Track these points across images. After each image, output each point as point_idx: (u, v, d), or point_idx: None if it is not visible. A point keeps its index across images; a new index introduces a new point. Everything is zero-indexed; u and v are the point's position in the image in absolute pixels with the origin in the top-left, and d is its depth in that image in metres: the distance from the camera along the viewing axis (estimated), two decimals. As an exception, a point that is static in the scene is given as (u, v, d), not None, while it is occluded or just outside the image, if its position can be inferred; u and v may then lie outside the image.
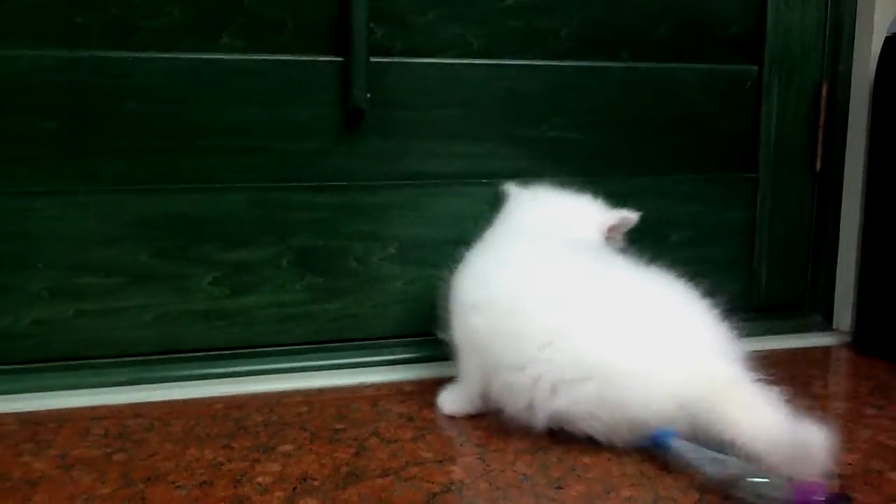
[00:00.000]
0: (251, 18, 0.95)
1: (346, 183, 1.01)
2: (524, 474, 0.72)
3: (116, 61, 0.92)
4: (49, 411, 0.87)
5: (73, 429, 0.82)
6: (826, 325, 1.19)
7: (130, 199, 0.94)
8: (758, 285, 1.17)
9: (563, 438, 0.79)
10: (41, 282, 0.92)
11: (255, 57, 0.96)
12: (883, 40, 1.05)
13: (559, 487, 0.69)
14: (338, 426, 0.83)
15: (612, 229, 0.95)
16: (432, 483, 0.70)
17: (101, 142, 0.93)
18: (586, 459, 0.75)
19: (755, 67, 1.13)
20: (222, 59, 0.95)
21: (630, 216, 0.95)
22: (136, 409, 0.88)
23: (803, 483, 0.63)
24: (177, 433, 0.81)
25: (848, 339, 1.13)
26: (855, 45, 1.13)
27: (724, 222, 1.15)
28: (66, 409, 0.88)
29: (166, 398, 0.91)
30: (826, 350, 1.11)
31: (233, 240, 0.98)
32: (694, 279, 1.13)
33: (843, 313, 1.16)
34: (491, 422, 0.83)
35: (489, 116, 1.05)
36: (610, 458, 0.75)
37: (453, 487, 0.69)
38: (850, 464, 0.73)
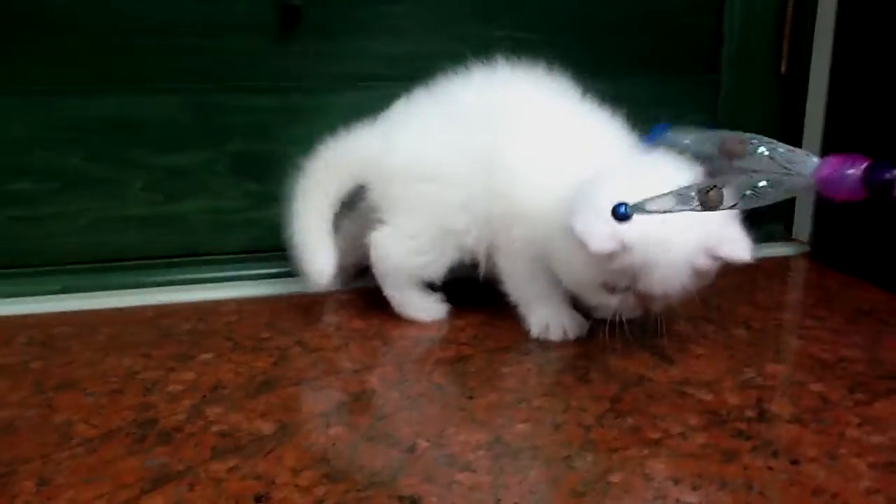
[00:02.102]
0: None
1: (284, 84, 0.97)
2: (438, 384, 0.71)
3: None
4: (-25, 319, 0.86)
5: (-4, 337, 0.82)
6: (786, 234, 1.16)
7: (62, 102, 0.91)
8: (717, 192, 1.14)
9: (488, 348, 0.78)
10: (-33, 187, 0.90)
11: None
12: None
13: (470, 398, 0.68)
14: (264, 335, 0.82)
15: None
16: (343, 392, 0.69)
17: (30, 43, 0.89)
18: (505, 370, 0.73)
19: (720, -39, 1.07)
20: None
21: None
22: (66, 318, 0.87)
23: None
24: (100, 341, 0.81)
25: (808, 249, 1.11)
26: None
27: (686, 125, 1.11)
28: (-6, 317, 0.87)
29: (97, 307, 0.90)
30: (782, 260, 1.09)
31: (167, 144, 0.95)
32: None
33: (804, 223, 1.13)
34: (414, 332, 0.82)
35: (435, 15, 1.00)
36: (530, 368, 0.74)
37: (363, 397, 0.68)
38: (773, 375, 0.72)
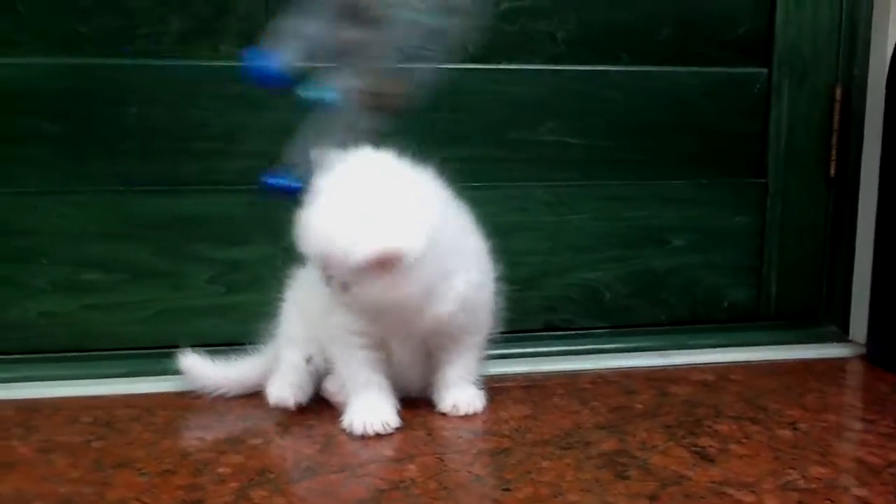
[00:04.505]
0: (246, 26, 0.98)
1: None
2: (477, 475, 0.72)
3: (118, 68, 0.97)
4: (47, 399, 0.91)
5: (63, 416, 0.87)
6: (842, 335, 1.14)
7: (130, 200, 0.99)
8: (767, 293, 1.14)
9: (529, 441, 0.79)
10: (46, 277, 0.98)
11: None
12: (896, 42, 1.01)
13: (506, 489, 0.69)
14: (311, 422, 0.85)
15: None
16: (382, 480, 0.71)
17: (102, 145, 0.98)
18: (545, 463, 0.74)
19: (764, 70, 1.10)
20: (219, 66, 0.98)
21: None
22: (129, 400, 0.92)
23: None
24: (158, 423, 0.85)
25: (864, 350, 1.09)
26: (871, 48, 1.09)
27: (730, 228, 1.12)
28: (63, 398, 0.92)
29: (159, 390, 0.95)
30: (837, 362, 1.07)
31: (228, 239, 1.01)
32: (698, 284, 1.12)
33: (860, 324, 1.12)
34: (458, 423, 0.83)
35: (484, 121, 1.05)
36: (569, 462, 0.74)
37: (400, 486, 0.70)
38: (817, 478, 0.71)
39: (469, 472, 0.73)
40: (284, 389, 0.87)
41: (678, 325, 1.11)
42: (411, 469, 0.73)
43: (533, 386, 0.96)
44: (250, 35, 0.98)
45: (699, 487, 0.69)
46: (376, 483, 0.71)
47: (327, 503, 0.67)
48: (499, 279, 0.89)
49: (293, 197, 0.79)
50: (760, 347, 1.09)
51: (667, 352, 1.06)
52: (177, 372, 0.97)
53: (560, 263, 1.09)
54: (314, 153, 0.79)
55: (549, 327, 1.09)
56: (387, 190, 0.77)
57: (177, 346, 1.00)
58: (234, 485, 0.70)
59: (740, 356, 1.06)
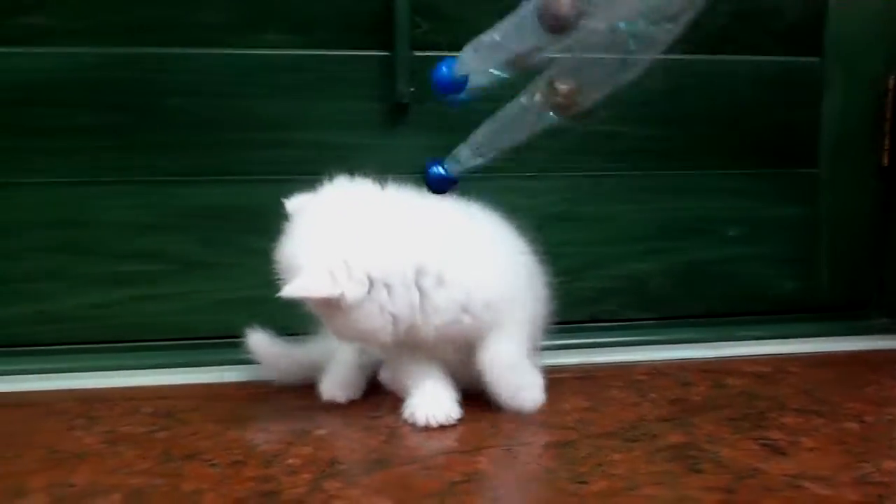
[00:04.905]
0: (296, 14, 0.98)
1: (389, 176, 1.03)
2: (549, 468, 0.72)
3: (167, 57, 0.96)
4: (104, 389, 0.92)
5: (123, 407, 0.87)
6: (893, 327, 1.14)
7: (181, 190, 0.99)
8: (818, 284, 1.13)
9: (593, 433, 0.78)
10: (98, 267, 0.98)
11: (299, 52, 0.98)
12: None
13: (582, 482, 0.69)
14: (373, 413, 0.85)
15: None
16: (455, 472, 0.71)
17: (154, 135, 0.97)
18: (616, 456, 0.74)
19: (816, 59, 1.09)
20: (268, 54, 0.98)
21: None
22: (185, 391, 0.92)
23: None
24: (219, 414, 0.85)
25: (916, 341, 1.08)
26: (926, 35, 1.08)
27: (781, 218, 1.12)
28: (120, 388, 0.92)
29: (214, 381, 0.95)
30: (891, 353, 1.06)
31: (278, 230, 1.01)
32: (747, 276, 1.11)
33: (913, 315, 1.11)
34: (520, 415, 0.83)
35: (534, 110, 1.04)
36: (638, 455, 0.74)
37: (475, 478, 0.70)
38: (891, 471, 0.70)
39: (539, 464, 0.73)
40: (336, 387, 0.88)
41: (727, 316, 1.11)
42: (481, 461, 0.73)
43: (587, 377, 0.95)
44: (299, 23, 0.98)
45: (775, 481, 0.68)
46: (449, 475, 0.70)
47: (402, 495, 0.66)
48: (544, 268, 0.90)
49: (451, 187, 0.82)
50: (811, 339, 1.08)
51: (717, 343, 1.06)
52: (233, 362, 0.98)
53: (607, 254, 1.09)
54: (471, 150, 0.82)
55: (595, 318, 1.09)
56: (331, 229, 0.78)
57: (232, 337, 1.00)
58: (306, 476, 0.70)
59: (792, 348, 1.06)
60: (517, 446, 0.77)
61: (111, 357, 0.97)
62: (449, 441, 0.78)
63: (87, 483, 0.69)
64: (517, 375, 0.83)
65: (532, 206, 1.06)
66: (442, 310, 0.79)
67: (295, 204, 0.83)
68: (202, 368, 0.97)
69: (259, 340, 0.91)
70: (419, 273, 0.78)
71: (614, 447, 0.76)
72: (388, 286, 0.77)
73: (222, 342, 1.00)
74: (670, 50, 1.05)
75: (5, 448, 0.76)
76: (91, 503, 0.65)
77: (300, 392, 0.91)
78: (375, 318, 0.77)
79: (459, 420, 0.82)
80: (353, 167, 1.01)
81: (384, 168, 1.01)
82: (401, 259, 0.78)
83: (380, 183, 0.84)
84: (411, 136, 1.02)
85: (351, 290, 0.75)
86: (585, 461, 0.73)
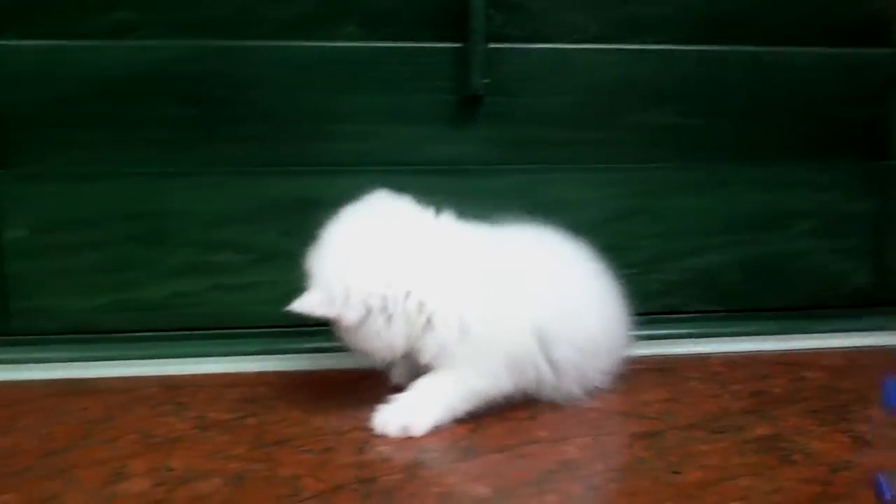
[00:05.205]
0: (372, 6, 0.98)
1: (462, 167, 1.03)
2: (642, 458, 0.72)
3: (246, 50, 0.97)
4: (186, 376, 0.93)
5: (208, 394, 0.88)
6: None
7: (257, 182, 1.00)
8: (889, 278, 1.12)
9: (678, 425, 0.79)
10: (179, 257, 0.99)
11: (375, 45, 0.99)
12: None
13: (676, 472, 0.69)
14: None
15: None
16: (547, 460, 0.71)
17: (232, 127, 0.99)
18: (704, 447, 0.74)
19: (887, 50, 1.08)
20: (344, 46, 0.99)
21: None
22: (265, 378, 0.93)
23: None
24: (301, 401, 0.86)
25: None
26: None
27: (853, 212, 1.11)
28: (202, 375, 0.94)
29: (292, 368, 0.96)
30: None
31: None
32: (818, 269, 1.10)
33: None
34: (600, 404, 0.83)
35: (606, 102, 1.04)
36: (727, 447, 0.74)
37: (568, 466, 0.70)
38: None
39: (630, 453, 0.73)
40: (403, 376, 0.87)
41: (798, 309, 1.10)
42: (571, 450, 0.74)
43: (665, 369, 0.95)
44: (375, 16, 0.99)
45: (869, 473, 0.68)
46: (541, 464, 0.71)
47: (499, 482, 0.67)
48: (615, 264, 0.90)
49: None
50: (884, 332, 1.07)
51: (791, 336, 1.05)
52: (310, 351, 0.99)
53: (678, 247, 1.08)
54: None
55: (669, 310, 1.09)
56: (346, 249, 0.80)
57: (305, 325, 1.02)
58: (399, 463, 0.71)
59: (865, 341, 1.05)
60: (604, 436, 0.77)
61: (193, 344, 0.99)
62: (537, 430, 0.78)
63: (186, 467, 0.71)
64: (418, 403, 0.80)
65: (600, 198, 1.06)
66: (440, 344, 0.79)
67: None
68: (280, 356, 0.98)
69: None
70: (422, 308, 0.79)
71: (701, 438, 0.76)
72: (388, 315, 0.78)
73: (299, 331, 1.01)
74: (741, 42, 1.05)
75: (101, 432, 0.78)
76: (193, 487, 0.67)
77: (372, 380, 0.91)
78: (374, 341, 0.80)
79: (543, 409, 0.82)
80: (428, 159, 1.02)
81: (459, 160, 1.03)
82: (403, 291, 0.79)
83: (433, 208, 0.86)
84: (485, 129, 1.02)
85: (347, 315, 0.78)
86: (675, 451, 0.73)
